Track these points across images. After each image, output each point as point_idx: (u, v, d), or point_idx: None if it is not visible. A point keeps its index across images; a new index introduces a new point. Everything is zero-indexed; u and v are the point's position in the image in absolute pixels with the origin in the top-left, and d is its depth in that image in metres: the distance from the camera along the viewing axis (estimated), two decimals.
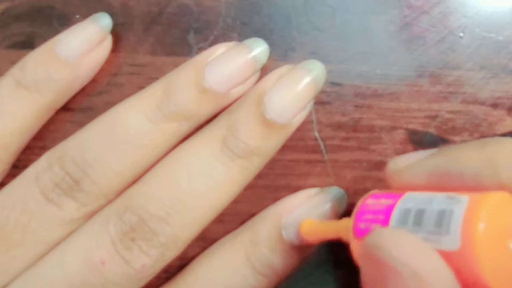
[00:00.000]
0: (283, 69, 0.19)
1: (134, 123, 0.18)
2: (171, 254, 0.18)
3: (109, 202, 0.18)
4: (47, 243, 0.18)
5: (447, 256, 0.12)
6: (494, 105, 0.20)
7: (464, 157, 0.14)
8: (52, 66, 0.19)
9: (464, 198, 0.12)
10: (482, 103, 0.20)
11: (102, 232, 0.17)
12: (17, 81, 0.18)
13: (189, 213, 0.18)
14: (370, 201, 0.15)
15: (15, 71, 0.19)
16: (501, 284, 0.12)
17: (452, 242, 0.12)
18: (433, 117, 0.20)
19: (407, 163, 0.16)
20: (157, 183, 0.18)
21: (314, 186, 0.20)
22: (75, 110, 0.20)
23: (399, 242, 0.12)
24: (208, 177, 0.18)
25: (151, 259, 0.17)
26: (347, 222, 0.16)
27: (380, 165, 0.20)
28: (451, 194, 0.13)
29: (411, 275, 0.12)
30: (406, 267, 0.12)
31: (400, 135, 0.20)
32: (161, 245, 0.17)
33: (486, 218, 0.12)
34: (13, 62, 0.19)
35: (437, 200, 0.13)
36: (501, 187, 0.13)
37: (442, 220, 0.12)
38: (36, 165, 0.18)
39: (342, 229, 0.16)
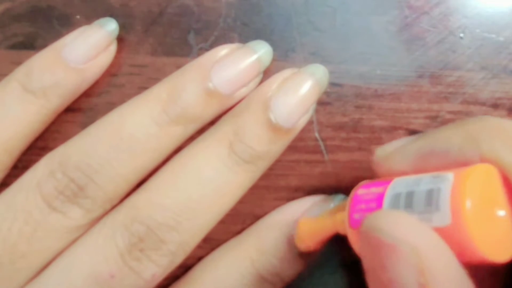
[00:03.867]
0: (286, 72, 0.19)
1: (141, 127, 0.18)
2: (179, 260, 0.18)
3: (113, 206, 0.18)
4: (52, 252, 0.17)
5: (440, 232, 0.12)
6: (495, 106, 0.20)
7: (447, 135, 0.15)
8: (59, 72, 0.18)
9: (449, 175, 0.13)
10: (483, 104, 0.20)
11: (109, 245, 0.17)
12: (24, 86, 0.18)
13: (199, 220, 0.17)
14: (361, 191, 0.15)
15: (20, 76, 0.18)
16: (493, 250, 0.12)
17: (442, 219, 0.12)
18: (434, 118, 0.20)
19: (393, 149, 0.16)
20: (165, 191, 0.17)
21: (314, 186, 0.20)
22: (75, 111, 0.20)
23: (394, 221, 0.12)
24: (216, 183, 0.18)
25: (160, 268, 0.17)
26: (341, 215, 0.16)
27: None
28: (437, 173, 0.13)
29: (410, 251, 0.12)
30: (405, 244, 0.12)
31: (400, 135, 0.20)
32: (171, 253, 0.17)
33: (472, 191, 0.12)
34: (14, 63, 0.19)
35: (424, 181, 0.13)
36: (483, 159, 0.13)
37: (431, 199, 0.13)
38: (35, 171, 0.18)
39: (338, 223, 0.16)
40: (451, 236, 0.12)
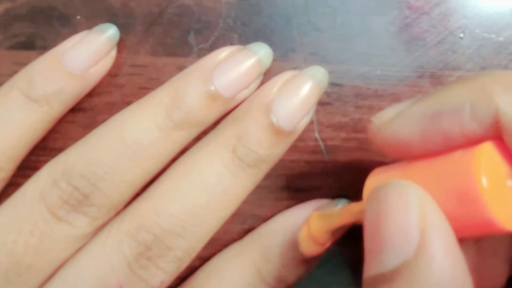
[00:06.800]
0: (286, 75, 0.19)
1: (145, 133, 0.18)
2: (185, 265, 0.18)
3: (118, 212, 0.18)
4: (58, 262, 0.17)
5: (456, 207, 0.13)
6: None
7: (455, 92, 0.13)
8: (61, 79, 0.18)
9: None
10: None
11: (116, 254, 0.17)
12: (26, 94, 0.18)
13: (204, 225, 0.18)
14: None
15: (21, 84, 0.18)
16: (508, 218, 0.12)
17: None
18: None
19: (393, 114, 0.15)
20: (170, 198, 0.17)
21: (314, 186, 0.20)
22: (75, 111, 0.20)
23: (406, 185, 0.13)
24: (221, 188, 0.18)
25: (168, 275, 0.17)
26: (358, 205, 0.16)
27: (380, 166, 0.20)
28: None
29: (415, 199, 0.13)
30: (412, 199, 0.13)
31: None
32: (178, 259, 0.17)
33: (485, 170, 0.12)
34: (14, 63, 0.19)
35: None
36: (496, 114, 0.12)
37: None
38: (37, 181, 0.18)
39: (356, 213, 0.16)
40: (466, 207, 0.12)
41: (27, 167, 0.19)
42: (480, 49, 0.20)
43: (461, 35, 0.21)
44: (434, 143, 0.14)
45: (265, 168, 0.19)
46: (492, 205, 0.12)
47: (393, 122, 0.14)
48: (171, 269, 0.17)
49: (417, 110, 0.14)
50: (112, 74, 0.20)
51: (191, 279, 0.19)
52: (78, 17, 0.21)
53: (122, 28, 0.20)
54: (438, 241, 0.12)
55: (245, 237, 0.20)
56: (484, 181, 0.12)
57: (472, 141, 0.13)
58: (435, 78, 0.20)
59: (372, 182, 0.16)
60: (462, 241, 0.13)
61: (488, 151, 0.13)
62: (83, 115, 0.20)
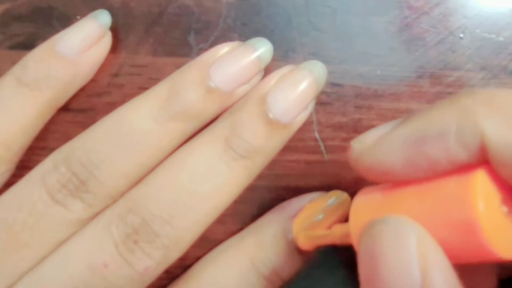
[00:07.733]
0: (284, 69, 0.19)
1: (140, 124, 0.18)
2: (174, 255, 0.18)
3: (115, 202, 0.18)
4: (54, 244, 0.18)
5: (450, 234, 0.12)
6: None
7: (440, 115, 0.13)
8: (52, 63, 0.19)
9: None
10: None
11: (105, 235, 0.17)
12: (18, 79, 0.18)
13: (193, 215, 0.18)
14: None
15: (16, 70, 0.19)
16: (503, 246, 0.12)
17: None
18: None
19: (374, 139, 0.14)
20: (161, 185, 0.18)
21: (314, 186, 0.20)
22: (76, 111, 0.20)
23: (402, 223, 0.12)
24: (211, 178, 0.18)
25: (154, 262, 0.17)
26: (341, 228, 0.16)
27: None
28: None
29: (414, 249, 0.12)
30: (410, 244, 0.12)
31: None
32: (164, 247, 0.17)
33: (481, 196, 0.12)
34: (14, 63, 0.19)
35: None
36: (482, 137, 0.12)
37: None
38: (42, 166, 0.18)
39: (338, 236, 0.16)
40: (462, 237, 0.12)
41: (27, 167, 0.19)
42: (480, 49, 0.20)
43: (461, 35, 0.21)
44: (419, 169, 0.13)
45: (259, 161, 0.18)
46: (490, 234, 0.12)
47: (374, 148, 0.14)
48: (157, 256, 0.17)
49: (400, 135, 0.13)
50: (112, 74, 0.20)
51: (189, 270, 0.19)
52: (78, 17, 0.21)
53: (122, 28, 0.20)
54: (441, 280, 0.12)
55: (243, 230, 0.20)
56: (481, 210, 0.12)
57: (459, 167, 0.13)
58: (435, 78, 0.20)
59: (359, 206, 0.15)
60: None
61: (482, 178, 0.12)
62: (83, 115, 0.20)
